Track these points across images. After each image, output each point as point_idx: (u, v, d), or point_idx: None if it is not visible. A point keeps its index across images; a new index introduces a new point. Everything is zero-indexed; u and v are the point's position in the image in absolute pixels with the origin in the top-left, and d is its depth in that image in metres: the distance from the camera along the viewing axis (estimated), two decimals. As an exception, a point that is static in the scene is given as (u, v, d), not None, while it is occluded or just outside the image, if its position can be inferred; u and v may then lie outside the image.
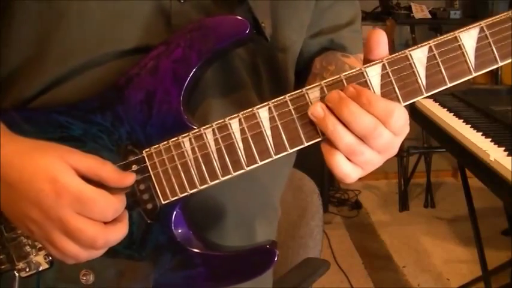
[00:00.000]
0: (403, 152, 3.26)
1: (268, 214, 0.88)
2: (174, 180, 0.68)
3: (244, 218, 0.81)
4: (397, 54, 0.63)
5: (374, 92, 0.63)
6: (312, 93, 0.64)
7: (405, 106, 0.64)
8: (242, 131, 0.65)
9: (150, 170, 0.68)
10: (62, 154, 0.64)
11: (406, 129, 0.64)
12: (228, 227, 0.79)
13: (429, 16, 3.43)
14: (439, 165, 3.67)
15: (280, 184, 0.89)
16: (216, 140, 0.66)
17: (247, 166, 0.66)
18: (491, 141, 1.66)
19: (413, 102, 0.64)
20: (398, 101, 0.63)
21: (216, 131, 0.66)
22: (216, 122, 0.66)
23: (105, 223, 0.65)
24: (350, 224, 3.31)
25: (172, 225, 0.70)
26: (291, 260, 1.38)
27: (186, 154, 0.67)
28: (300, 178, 1.46)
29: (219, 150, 0.66)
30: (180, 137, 0.67)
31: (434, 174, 3.54)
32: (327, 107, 0.62)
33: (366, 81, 0.63)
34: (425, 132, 3.17)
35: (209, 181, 0.67)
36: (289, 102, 0.64)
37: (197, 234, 0.72)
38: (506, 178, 1.46)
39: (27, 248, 0.71)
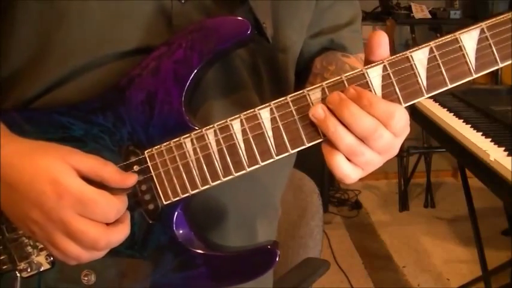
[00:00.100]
0: (403, 152, 3.25)
1: (269, 214, 0.89)
2: (175, 180, 0.68)
3: (245, 218, 0.82)
4: (398, 55, 0.63)
5: (375, 93, 0.63)
6: (313, 94, 0.64)
7: (405, 107, 0.64)
8: (244, 131, 0.65)
9: (152, 171, 0.68)
10: (63, 155, 0.64)
11: (406, 131, 0.64)
12: (229, 228, 0.79)
13: (429, 16, 3.42)
14: (439, 165, 3.66)
15: (281, 184, 0.90)
16: (217, 141, 0.66)
17: (248, 167, 0.66)
18: (491, 141, 1.66)
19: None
20: (399, 102, 0.63)
21: (218, 131, 0.66)
22: (218, 123, 0.66)
23: (107, 224, 0.64)
24: (350, 224, 3.30)
25: (174, 225, 0.70)
26: (291, 260, 1.38)
27: (187, 155, 0.67)
28: (300, 178, 1.46)
29: (220, 151, 0.66)
30: (181, 138, 0.67)
31: (434, 174, 3.53)
32: (328, 108, 0.62)
33: (367, 82, 0.63)
34: (425, 132, 3.17)
35: (211, 182, 0.67)
36: (290, 103, 0.65)
37: (198, 234, 0.72)
38: (506, 178, 1.46)
39: (29, 249, 0.71)
